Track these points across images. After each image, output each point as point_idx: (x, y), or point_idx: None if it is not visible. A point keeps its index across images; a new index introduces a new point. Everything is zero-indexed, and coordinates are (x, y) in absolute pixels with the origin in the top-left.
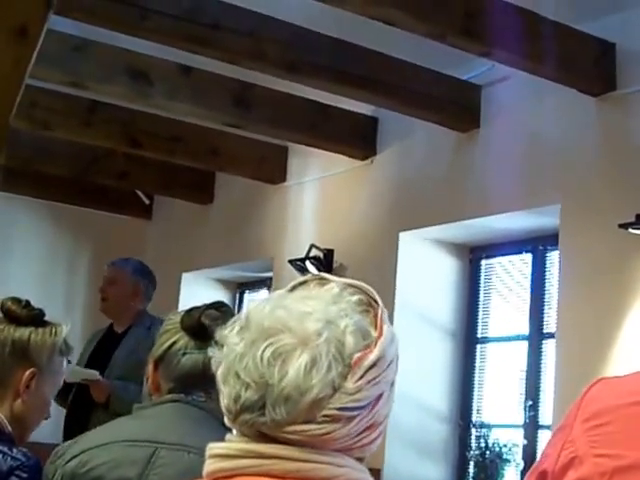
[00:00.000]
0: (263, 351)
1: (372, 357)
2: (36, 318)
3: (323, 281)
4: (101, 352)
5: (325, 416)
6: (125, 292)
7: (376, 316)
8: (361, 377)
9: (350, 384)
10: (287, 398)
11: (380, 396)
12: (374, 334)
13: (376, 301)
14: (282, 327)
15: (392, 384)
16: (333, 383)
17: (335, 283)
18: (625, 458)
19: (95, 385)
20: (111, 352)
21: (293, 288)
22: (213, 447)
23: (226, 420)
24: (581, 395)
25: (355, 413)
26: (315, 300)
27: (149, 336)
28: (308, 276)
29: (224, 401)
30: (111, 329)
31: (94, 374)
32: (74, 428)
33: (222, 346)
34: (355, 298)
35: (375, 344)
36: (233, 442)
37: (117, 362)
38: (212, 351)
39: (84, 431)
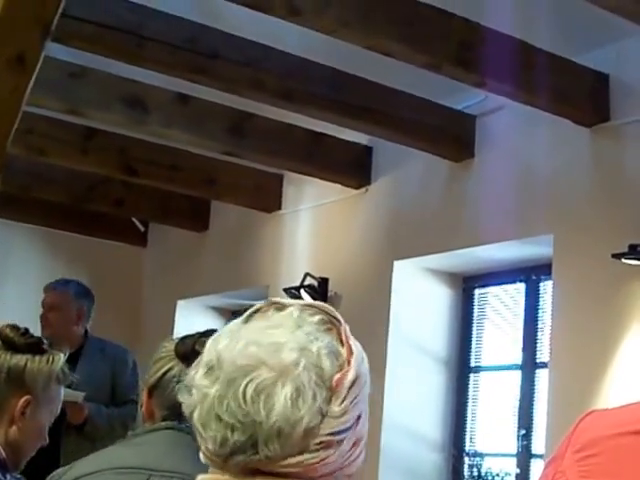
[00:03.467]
0: (244, 389)
1: (350, 377)
2: (34, 346)
3: (279, 306)
4: None
5: (318, 444)
6: (68, 317)
7: (340, 334)
8: (345, 398)
9: (336, 407)
10: (279, 432)
11: (361, 413)
12: (344, 353)
13: (337, 319)
14: (258, 362)
15: (367, 399)
16: (320, 410)
17: (293, 307)
18: None
19: (74, 407)
20: None
21: (248, 318)
22: (203, 479)
23: (213, 464)
24: (573, 426)
25: (344, 435)
26: (279, 328)
27: (106, 359)
28: (262, 303)
29: (209, 446)
30: None
31: (78, 395)
32: (43, 454)
33: (192, 390)
34: (316, 319)
35: (348, 363)
36: (222, 475)
37: (78, 388)
38: (181, 396)
39: (56, 457)
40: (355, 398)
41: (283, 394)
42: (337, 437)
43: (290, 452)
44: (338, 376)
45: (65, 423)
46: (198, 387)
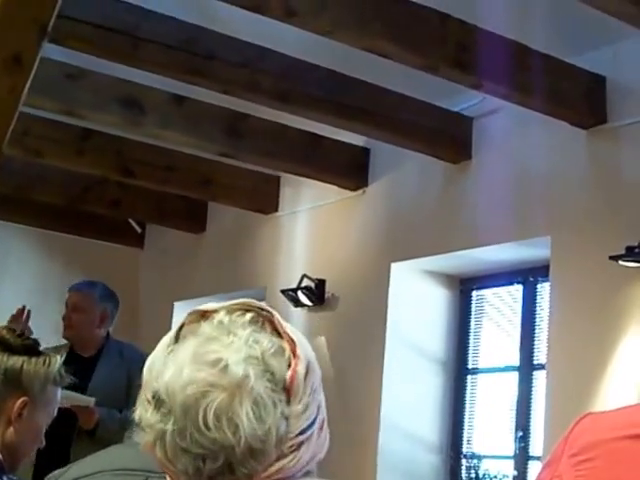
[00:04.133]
0: (204, 417)
1: (301, 370)
2: (30, 348)
3: (205, 314)
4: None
5: (291, 447)
6: (93, 319)
7: (274, 325)
8: (303, 394)
9: (297, 406)
10: (252, 451)
11: (320, 400)
12: (286, 345)
13: (267, 310)
14: (207, 386)
15: (320, 381)
16: (283, 414)
17: (220, 312)
18: None
19: (85, 411)
20: (82, 379)
21: (177, 335)
22: None
23: None
24: (568, 430)
25: (313, 429)
26: (215, 342)
27: (123, 362)
28: (185, 317)
29: (181, 478)
30: (74, 352)
31: (89, 400)
32: (52, 458)
33: (145, 428)
34: (247, 318)
35: (294, 354)
36: None
37: (95, 390)
38: (136, 436)
39: (67, 459)
40: (311, 388)
41: (244, 412)
42: (307, 433)
43: (268, 463)
44: (290, 374)
45: (77, 428)
46: (151, 425)
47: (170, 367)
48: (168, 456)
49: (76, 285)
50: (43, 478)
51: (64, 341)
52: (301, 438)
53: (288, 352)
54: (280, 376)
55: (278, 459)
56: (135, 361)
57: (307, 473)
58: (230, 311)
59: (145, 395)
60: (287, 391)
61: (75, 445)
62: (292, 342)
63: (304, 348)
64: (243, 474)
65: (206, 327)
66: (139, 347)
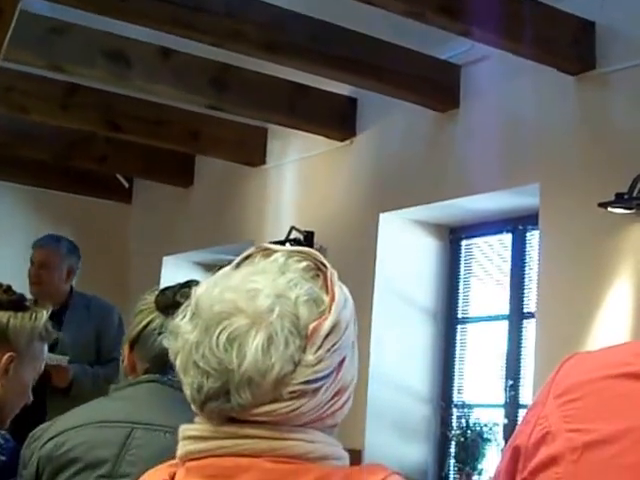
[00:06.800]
0: (218, 337)
1: (327, 324)
2: (16, 303)
3: (268, 252)
4: None
5: (291, 392)
6: (60, 275)
7: (326, 280)
8: (320, 347)
9: (310, 356)
10: (250, 381)
11: (342, 361)
12: (327, 299)
13: (324, 265)
14: (233, 309)
15: (353, 345)
16: (293, 358)
17: (280, 253)
18: (597, 432)
19: (58, 370)
20: None
21: (238, 264)
22: (185, 429)
23: (193, 408)
24: (554, 371)
25: (320, 384)
26: (261, 275)
27: (91, 316)
28: (252, 249)
29: (187, 392)
30: None
31: (63, 359)
32: (30, 415)
33: (176, 335)
34: (302, 265)
35: (329, 310)
36: (204, 423)
37: (64, 345)
38: (167, 342)
39: (42, 419)
40: (333, 346)
41: (255, 342)
42: (312, 386)
43: (262, 400)
44: (314, 324)
45: (49, 387)
46: (181, 333)
47: (211, 285)
48: (183, 366)
49: (41, 240)
50: (20, 433)
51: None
52: (304, 388)
53: (326, 306)
54: (305, 323)
55: (273, 401)
56: (103, 313)
57: (305, 425)
58: (289, 255)
59: (189, 303)
60: (306, 338)
61: (50, 402)
62: (333, 300)
63: (341, 308)
64: (237, 403)
65: (262, 262)
66: (106, 300)
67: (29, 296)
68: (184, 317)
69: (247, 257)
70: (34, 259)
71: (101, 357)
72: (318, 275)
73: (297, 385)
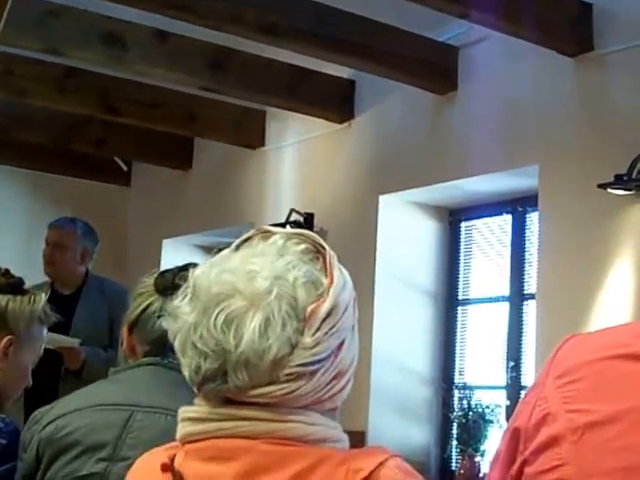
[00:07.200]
0: (215, 318)
1: (325, 307)
2: (14, 286)
3: (267, 234)
4: None
5: (287, 375)
6: (74, 256)
7: (325, 262)
8: (317, 329)
9: (307, 338)
10: (246, 362)
11: (341, 344)
12: (325, 282)
13: (323, 247)
14: (231, 291)
15: (353, 328)
16: (290, 340)
17: (279, 235)
18: (597, 413)
19: (70, 352)
20: (64, 317)
21: (237, 247)
22: (185, 411)
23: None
24: (553, 352)
25: (317, 366)
26: (260, 257)
27: (105, 299)
28: (251, 232)
29: (186, 372)
30: (54, 290)
31: (74, 341)
32: (41, 399)
33: (175, 316)
34: (301, 247)
35: (327, 292)
36: (203, 405)
37: (78, 328)
38: (166, 323)
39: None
40: (331, 329)
41: (252, 324)
42: (309, 368)
43: (258, 382)
44: (312, 306)
45: (63, 369)
46: (180, 314)
47: (209, 267)
48: (181, 347)
49: (56, 222)
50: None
51: (45, 279)
52: (301, 370)
53: (324, 288)
54: (302, 305)
55: (270, 383)
56: (117, 297)
57: (304, 407)
58: (288, 237)
59: (187, 285)
60: (303, 321)
61: (63, 386)
62: (332, 282)
63: (339, 291)
64: (234, 385)
65: (261, 244)
66: (119, 282)
67: (45, 277)
68: (183, 298)
69: (246, 240)
70: (49, 239)
71: (114, 339)
72: (317, 258)
73: (294, 367)
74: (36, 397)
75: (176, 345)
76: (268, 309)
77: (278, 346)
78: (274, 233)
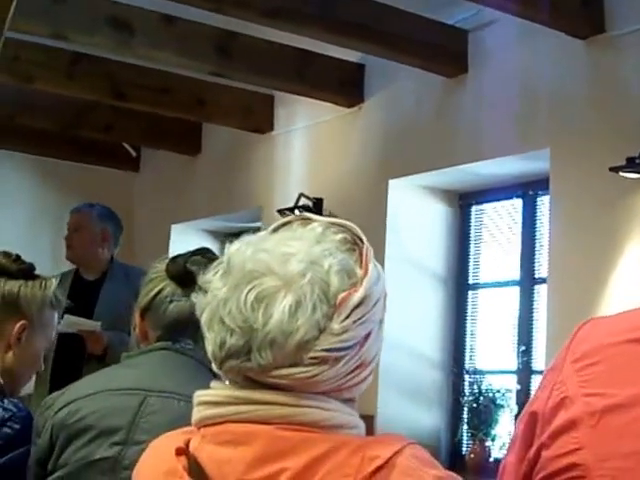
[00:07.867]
0: (246, 295)
1: (357, 296)
2: (26, 272)
3: (306, 221)
4: (76, 302)
5: (312, 358)
6: (92, 238)
7: (361, 254)
8: (347, 317)
9: (336, 325)
10: (272, 342)
11: (368, 335)
12: (360, 273)
13: (361, 239)
14: (265, 270)
15: (380, 322)
16: (318, 324)
17: (318, 222)
18: (614, 397)
19: (92, 336)
20: (88, 302)
21: (275, 229)
22: (200, 394)
23: (213, 366)
24: (571, 336)
25: (342, 354)
26: (298, 241)
27: (129, 286)
28: (291, 217)
29: (209, 347)
30: (79, 276)
31: (95, 325)
32: (67, 383)
33: (205, 291)
34: (339, 237)
35: (361, 283)
36: (219, 389)
37: (100, 313)
38: (195, 296)
39: None
40: (360, 318)
41: (283, 304)
42: (334, 354)
43: (282, 363)
44: (344, 294)
45: (86, 354)
46: (211, 289)
47: (245, 245)
48: (208, 321)
49: (76, 207)
50: None
51: (71, 267)
52: (326, 355)
53: (357, 278)
54: (334, 292)
55: (293, 365)
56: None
57: (323, 393)
58: (327, 226)
59: (221, 261)
60: (334, 307)
61: (87, 370)
62: (366, 274)
63: (372, 283)
64: (257, 363)
65: (300, 230)
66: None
67: (68, 264)
68: (215, 273)
69: (285, 224)
70: (69, 224)
71: None
72: (354, 249)
73: (319, 352)
74: (61, 381)
75: (203, 319)
76: (300, 292)
77: (306, 329)
78: (314, 220)
